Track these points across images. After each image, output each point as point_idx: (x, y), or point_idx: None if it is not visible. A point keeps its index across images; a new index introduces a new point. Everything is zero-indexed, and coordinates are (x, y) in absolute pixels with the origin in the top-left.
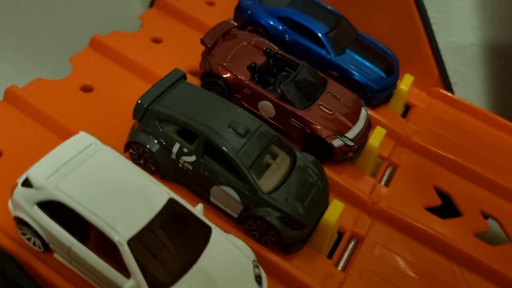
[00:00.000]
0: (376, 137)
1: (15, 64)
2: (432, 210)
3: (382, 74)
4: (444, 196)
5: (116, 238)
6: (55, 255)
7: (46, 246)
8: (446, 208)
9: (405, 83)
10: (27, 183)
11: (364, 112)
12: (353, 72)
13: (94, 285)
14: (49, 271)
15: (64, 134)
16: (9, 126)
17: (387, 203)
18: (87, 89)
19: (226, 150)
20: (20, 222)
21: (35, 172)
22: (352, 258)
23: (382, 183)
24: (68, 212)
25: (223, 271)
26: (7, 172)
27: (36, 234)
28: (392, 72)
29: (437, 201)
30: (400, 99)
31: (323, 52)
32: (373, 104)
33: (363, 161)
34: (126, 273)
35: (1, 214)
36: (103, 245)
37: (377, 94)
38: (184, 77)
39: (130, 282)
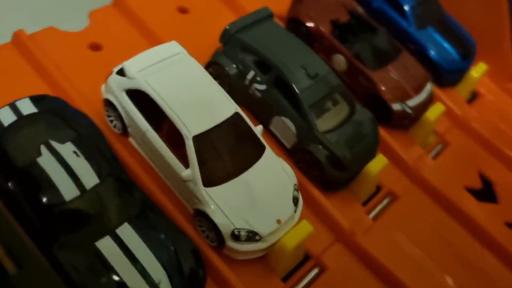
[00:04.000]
0: (433, 112)
1: None
2: (472, 192)
3: (457, 56)
4: (487, 183)
5: (184, 132)
6: (130, 139)
7: (124, 130)
8: (486, 194)
9: (478, 70)
10: (121, 73)
11: (428, 86)
12: (428, 48)
13: (156, 170)
14: (124, 150)
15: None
16: (113, 28)
17: (430, 174)
18: (184, 10)
19: (294, 86)
20: (108, 104)
21: (130, 64)
22: (383, 212)
23: (431, 155)
24: (149, 103)
25: (266, 186)
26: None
27: (119, 117)
28: (467, 56)
29: (478, 185)
30: (468, 85)
31: (405, 23)
32: (441, 83)
33: (417, 132)
34: (186, 164)
35: (94, 96)
36: (172, 137)
37: (447, 75)
38: (271, 15)
39: (188, 171)
